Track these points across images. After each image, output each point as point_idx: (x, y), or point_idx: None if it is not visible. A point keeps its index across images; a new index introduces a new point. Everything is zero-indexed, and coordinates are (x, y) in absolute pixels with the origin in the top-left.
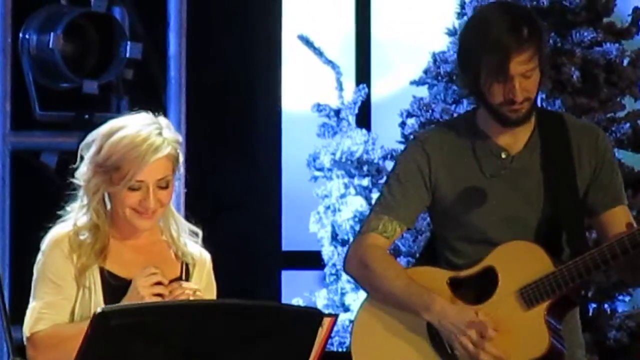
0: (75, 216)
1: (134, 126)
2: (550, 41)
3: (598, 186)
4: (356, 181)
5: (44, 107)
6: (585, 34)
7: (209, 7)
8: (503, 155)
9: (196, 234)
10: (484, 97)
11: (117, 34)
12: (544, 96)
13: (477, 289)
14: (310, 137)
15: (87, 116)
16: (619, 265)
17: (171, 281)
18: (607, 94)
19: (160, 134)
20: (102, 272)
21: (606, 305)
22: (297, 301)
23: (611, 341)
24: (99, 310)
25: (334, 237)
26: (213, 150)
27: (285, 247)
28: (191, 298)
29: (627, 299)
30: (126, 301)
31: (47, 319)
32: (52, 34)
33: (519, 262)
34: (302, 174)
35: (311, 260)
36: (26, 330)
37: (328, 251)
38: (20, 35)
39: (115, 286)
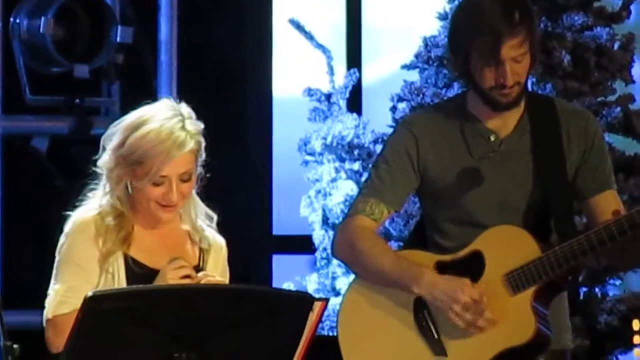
0: (100, 202)
1: (158, 119)
2: (541, 25)
3: (587, 170)
4: (347, 165)
5: (34, 92)
6: (576, 18)
7: None
8: (492, 138)
9: (211, 218)
10: (474, 81)
11: (108, 19)
12: (534, 80)
13: (463, 273)
14: (301, 121)
15: (77, 100)
16: (607, 251)
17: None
18: (597, 78)
19: (183, 127)
20: (126, 258)
21: (597, 289)
22: (288, 285)
23: (602, 325)
24: (89, 294)
25: (325, 221)
26: (204, 134)
27: (276, 231)
28: None
29: (617, 282)
30: None
31: (70, 302)
32: (42, 18)
33: (506, 246)
34: (293, 158)
35: (302, 244)
36: (48, 312)
37: (319, 235)
38: (11, 19)
39: (138, 273)
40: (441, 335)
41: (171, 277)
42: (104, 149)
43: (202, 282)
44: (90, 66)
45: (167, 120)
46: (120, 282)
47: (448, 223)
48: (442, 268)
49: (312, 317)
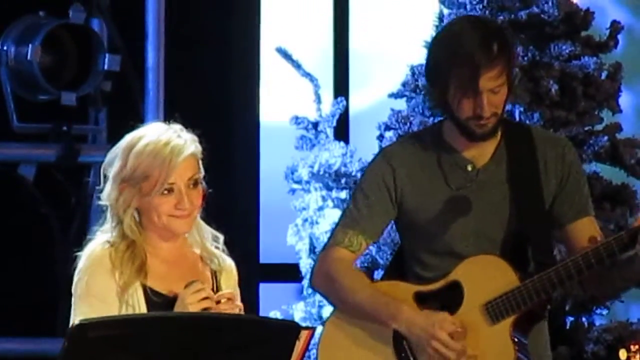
0: (110, 235)
1: (153, 134)
2: (529, 54)
3: (564, 197)
4: (334, 194)
5: (22, 119)
6: (564, 47)
7: (187, 20)
8: (469, 168)
9: (217, 238)
10: (451, 111)
11: (95, 46)
12: (522, 109)
13: (442, 303)
14: (288, 149)
15: (65, 128)
16: (585, 280)
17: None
18: (585, 107)
19: (179, 136)
20: (145, 289)
21: (584, 319)
22: (275, 314)
23: (589, 354)
24: (77, 322)
25: (312, 249)
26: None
27: (262, 259)
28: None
29: (604, 312)
30: None
31: None
32: (30, 45)
33: (484, 276)
34: (280, 187)
35: (289, 272)
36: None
37: (306, 264)
38: None
39: (158, 303)
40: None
41: (190, 301)
42: (106, 178)
43: (223, 306)
44: (77, 93)
45: (162, 132)
46: (141, 312)
47: (426, 253)
48: (420, 299)
49: (299, 345)
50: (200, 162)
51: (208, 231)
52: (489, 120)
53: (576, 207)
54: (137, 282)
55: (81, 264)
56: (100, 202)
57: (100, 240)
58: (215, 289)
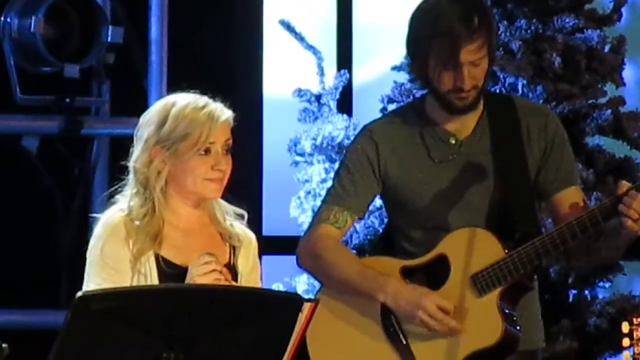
0: (129, 202)
1: (188, 97)
2: (532, 27)
3: (548, 167)
4: (337, 166)
5: (25, 91)
6: (567, 20)
7: None
8: (452, 141)
9: (242, 216)
10: (431, 84)
11: (99, 18)
12: (525, 82)
13: (429, 277)
14: (291, 122)
15: (68, 100)
16: (571, 250)
17: (224, 266)
18: (588, 81)
19: (214, 102)
20: (157, 258)
21: (586, 292)
22: (278, 286)
23: (591, 327)
24: (78, 294)
25: None
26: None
27: (265, 232)
28: None
29: (607, 285)
30: None
31: None
32: (33, 17)
33: (470, 249)
34: (283, 159)
35: (292, 245)
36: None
37: None
38: (2, 18)
39: (170, 273)
40: (409, 340)
41: (197, 273)
42: (138, 141)
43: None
44: (80, 66)
45: (197, 97)
46: (152, 282)
47: (413, 228)
48: (407, 273)
49: (302, 318)
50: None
51: (229, 210)
52: (469, 93)
53: (561, 177)
54: (151, 251)
55: (96, 230)
56: (130, 166)
57: (117, 207)
58: (232, 264)
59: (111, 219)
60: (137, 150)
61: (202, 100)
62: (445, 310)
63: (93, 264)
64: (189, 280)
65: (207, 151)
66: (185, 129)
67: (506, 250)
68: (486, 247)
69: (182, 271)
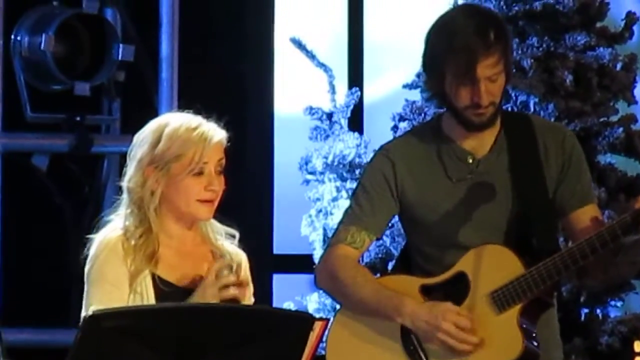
0: (124, 222)
1: (181, 118)
2: (544, 45)
3: (566, 185)
4: (348, 185)
5: (35, 109)
6: (579, 38)
7: (202, 9)
8: (469, 160)
9: (233, 236)
10: (449, 101)
11: (109, 36)
12: (537, 100)
13: (449, 294)
14: (302, 140)
15: (78, 118)
16: (590, 265)
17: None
18: (600, 98)
19: (208, 122)
20: (154, 277)
21: (598, 311)
22: (289, 305)
23: (603, 346)
24: (89, 312)
25: (326, 240)
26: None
27: (276, 250)
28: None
29: (619, 304)
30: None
31: None
32: (43, 35)
33: (490, 265)
34: (294, 177)
35: (303, 263)
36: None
37: (319, 255)
38: (12, 36)
39: (166, 292)
40: (430, 359)
41: (212, 293)
42: (131, 161)
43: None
44: (91, 83)
45: (191, 117)
46: (149, 301)
47: (430, 247)
48: (427, 291)
49: (313, 336)
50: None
51: (221, 230)
52: (487, 109)
53: (579, 195)
54: (147, 270)
55: (93, 250)
56: (124, 186)
57: (112, 227)
58: None
59: (108, 238)
60: (130, 170)
61: (196, 120)
62: (463, 328)
63: (94, 283)
64: (201, 298)
65: (200, 172)
66: (178, 149)
67: (525, 267)
68: (505, 263)
69: (178, 290)
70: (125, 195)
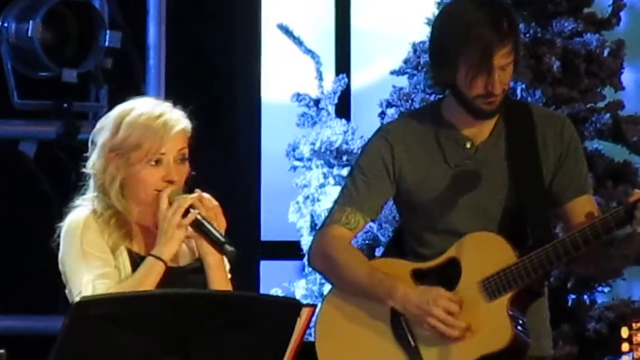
0: (91, 205)
1: (146, 106)
2: (531, 31)
3: (563, 175)
4: (335, 171)
5: (22, 96)
6: (566, 24)
7: None
8: (467, 145)
9: None
10: (459, 90)
11: (97, 23)
12: (524, 86)
13: (440, 280)
14: (289, 126)
15: (65, 105)
16: (582, 257)
17: (190, 266)
18: (587, 85)
19: (172, 111)
20: (130, 253)
21: (585, 297)
22: (276, 291)
23: (590, 332)
24: (77, 299)
25: (313, 227)
26: (192, 139)
27: (264, 237)
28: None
29: (606, 289)
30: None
31: (106, 284)
32: (31, 22)
33: (482, 253)
34: (282, 164)
35: (290, 250)
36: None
37: (307, 241)
38: None
39: None
40: (418, 343)
41: (173, 223)
42: (94, 146)
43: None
44: (78, 70)
45: (155, 105)
46: (127, 276)
47: (425, 231)
48: (418, 276)
49: (300, 323)
50: (189, 140)
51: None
52: (497, 97)
53: (575, 185)
54: (123, 246)
55: (66, 232)
56: (86, 171)
57: (82, 211)
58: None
59: (77, 217)
60: (93, 155)
61: (160, 108)
62: (452, 313)
63: (78, 259)
64: (166, 235)
65: (159, 161)
66: (137, 138)
67: (517, 255)
68: (498, 251)
69: None
70: (91, 180)
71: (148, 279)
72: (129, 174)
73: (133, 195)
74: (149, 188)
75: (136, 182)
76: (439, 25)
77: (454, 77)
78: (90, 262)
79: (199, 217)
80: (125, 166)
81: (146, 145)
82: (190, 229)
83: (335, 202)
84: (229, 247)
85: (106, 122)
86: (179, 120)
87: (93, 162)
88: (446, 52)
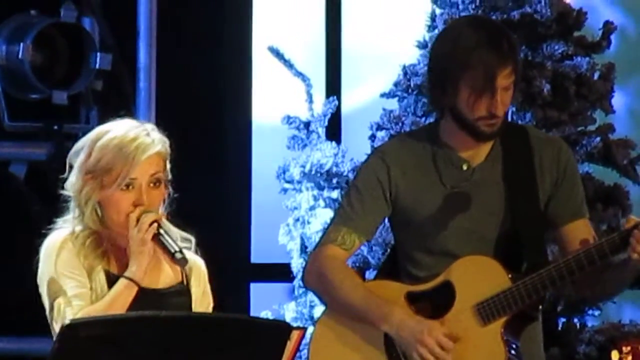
0: (72, 226)
1: (122, 129)
2: (521, 54)
3: (559, 199)
4: (325, 193)
5: (13, 118)
6: (556, 47)
7: (179, 18)
8: (464, 167)
9: (189, 240)
10: (459, 113)
11: (87, 45)
12: (514, 109)
13: (434, 303)
14: (280, 149)
15: (56, 127)
16: (577, 281)
17: (171, 288)
18: (577, 107)
19: (148, 135)
20: (108, 274)
21: (576, 320)
22: (266, 314)
23: (581, 355)
24: (66, 321)
25: (303, 249)
26: (182, 161)
27: (254, 259)
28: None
29: (596, 313)
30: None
31: (79, 305)
32: (21, 44)
33: (476, 277)
34: (272, 186)
35: (280, 272)
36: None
37: (297, 263)
38: None
39: None
40: None
41: (142, 237)
42: (71, 168)
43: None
44: (68, 92)
45: (131, 128)
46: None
47: (419, 252)
48: (412, 299)
49: (290, 345)
50: (168, 163)
51: (177, 235)
52: (499, 119)
53: (571, 209)
54: (100, 267)
55: (45, 251)
56: (64, 192)
57: (61, 232)
58: (184, 283)
59: (55, 239)
60: (71, 177)
61: (134, 132)
62: (445, 347)
63: (53, 280)
64: (135, 250)
65: (130, 185)
66: (108, 162)
67: (512, 280)
68: (492, 275)
69: None
70: (71, 202)
71: (119, 300)
72: (102, 197)
73: (108, 217)
74: (121, 212)
75: (109, 205)
76: (438, 50)
77: (455, 100)
78: (64, 284)
79: (159, 230)
80: (99, 189)
81: (117, 169)
82: (151, 243)
83: (331, 221)
84: (178, 255)
85: (82, 144)
86: (152, 144)
87: (72, 184)
88: (447, 76)
